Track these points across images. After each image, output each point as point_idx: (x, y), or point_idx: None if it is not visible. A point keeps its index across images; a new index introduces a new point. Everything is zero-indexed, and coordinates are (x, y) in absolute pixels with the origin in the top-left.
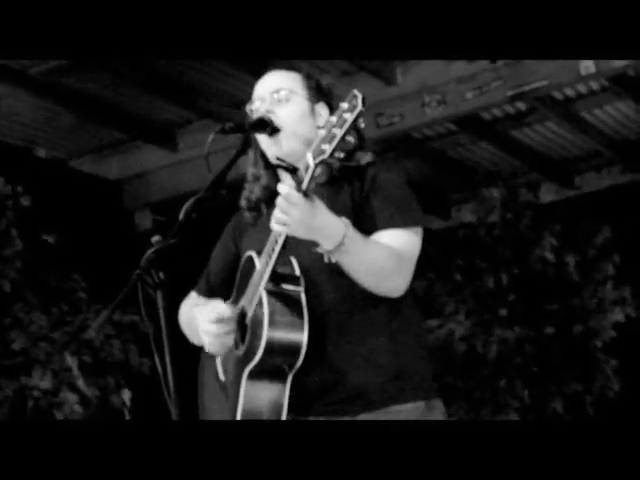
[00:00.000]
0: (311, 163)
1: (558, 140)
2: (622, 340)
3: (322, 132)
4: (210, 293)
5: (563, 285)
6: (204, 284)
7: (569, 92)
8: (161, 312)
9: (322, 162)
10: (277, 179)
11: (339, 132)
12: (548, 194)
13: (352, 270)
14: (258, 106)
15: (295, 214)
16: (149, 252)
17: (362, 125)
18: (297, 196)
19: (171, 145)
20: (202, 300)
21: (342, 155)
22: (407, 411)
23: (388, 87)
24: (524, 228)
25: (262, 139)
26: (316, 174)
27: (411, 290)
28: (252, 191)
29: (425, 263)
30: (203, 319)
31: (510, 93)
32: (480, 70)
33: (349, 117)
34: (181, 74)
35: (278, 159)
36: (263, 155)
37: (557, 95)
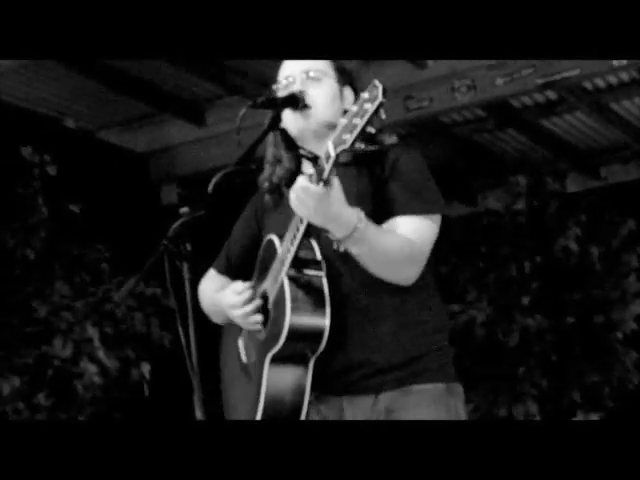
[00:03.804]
0: (332, 153)
1: (586, 130)
2: None
3: (343, 121)
4: (229, 271)
5: (586, 275)
6: (224, 262)
7: (599, 82)
8: (187, 284)
9: (343, 151)
10: (299, 161)
11: (360, 122)
12: (574, 184)
13: (361, 259)
14: (288, 84)
15: (310, 204)
16: (177, 223)
17: (383, 116)
18: (313, 188)
19: (199, 120)
20: (222, 279)
21: (362, 146)
22: (427, 390)
23: (418, 70)
24: (549, 217)
25: (288, 115)
26: (340, 159)
27: (434, 273)
28: (273, 172)
29: (449, 248)
30: (227, 297)
31: (541, 81)
32: None
33: (369, 107)
34: None
35: (300, 147)
36: (284, 136)
37: (587, 85)
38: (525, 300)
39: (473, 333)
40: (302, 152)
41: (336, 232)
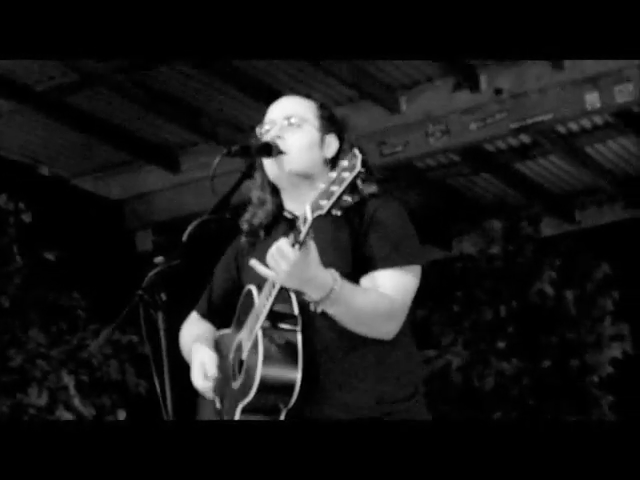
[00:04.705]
0: (309, 217)
1: (560, 174)
2: (619, 376)
3: (322, 186)
4: (211, 314)
5: (561, 319)
6: (205, 305)
7: (573, 126)
8: (162, 333)
9: (319, 216)
10: (281, 206)
11: (337, 190)
12: (549, 228)
13: (339, 319)
14: (268, 129)
15: (284, 267)
16: (152, 273)
17: (360, 185)
18: (289, 250)
19: (174, 167)
20: (203, 323)
21: (339, 213)
22: None
23: (392, 115)
24: (524, 261)
25: (265, 161)
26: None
27: (409, 321)
28: (255, 215)
29: (424, 293)
30: (195, 372)
31: (514, 126)
32: (484, 101)
33: (347, 177)
34: (186, 96)
35: (282, 209)
36: (269, 179)
37: (561, 129)
38: (501, 344)
39: (449, 377)
40: (283, 213)
41: (312, 294)
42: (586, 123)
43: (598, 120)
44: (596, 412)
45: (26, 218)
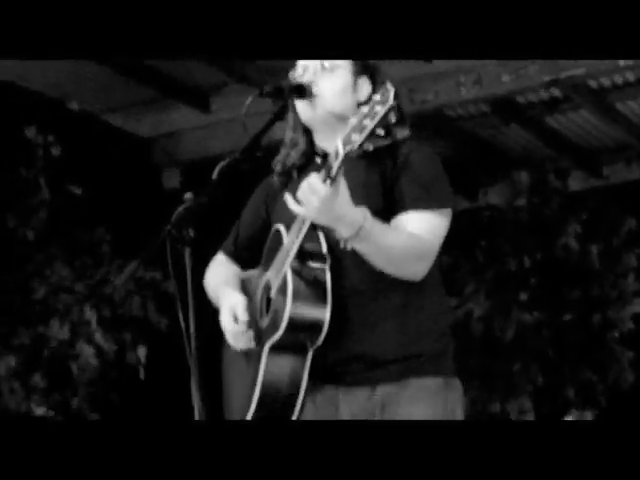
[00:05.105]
0: (341, 151)
1: (590, 129)
2: None
3: (353, 121)
4: (237, 255)
5: (585, 273)
6: (232, 246)
7: (604, 82)
8: (188, 269)
9: (351, 151)
10: (313, 146)
11: (369, 124)
12: (576, 182)
13: (368, 257)
14: (301, 73)
15: (315, 203)
16: (180, 208)
17: (393, 120)
18: (320, 186)
19: (204, 107)
20: (229, 264)
21: (370, 147)
22: (424, 385)
23: (424, 64)
24: (550, 214)
25: (298, 103)
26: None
27: (437, 267)
28: (288, 155)
29: (451, 241)
30: (224, 312)
31: (546, 79)
32: None
33: (380, 110)
34: None
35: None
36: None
37: (592, 84)
38: (523, 296)
39: (470, 326)
40: (316, 152)
41: (341, 231)
42: (618, 79)
43: (630, 76)
44: (615, 368)
45: (55, 151)
